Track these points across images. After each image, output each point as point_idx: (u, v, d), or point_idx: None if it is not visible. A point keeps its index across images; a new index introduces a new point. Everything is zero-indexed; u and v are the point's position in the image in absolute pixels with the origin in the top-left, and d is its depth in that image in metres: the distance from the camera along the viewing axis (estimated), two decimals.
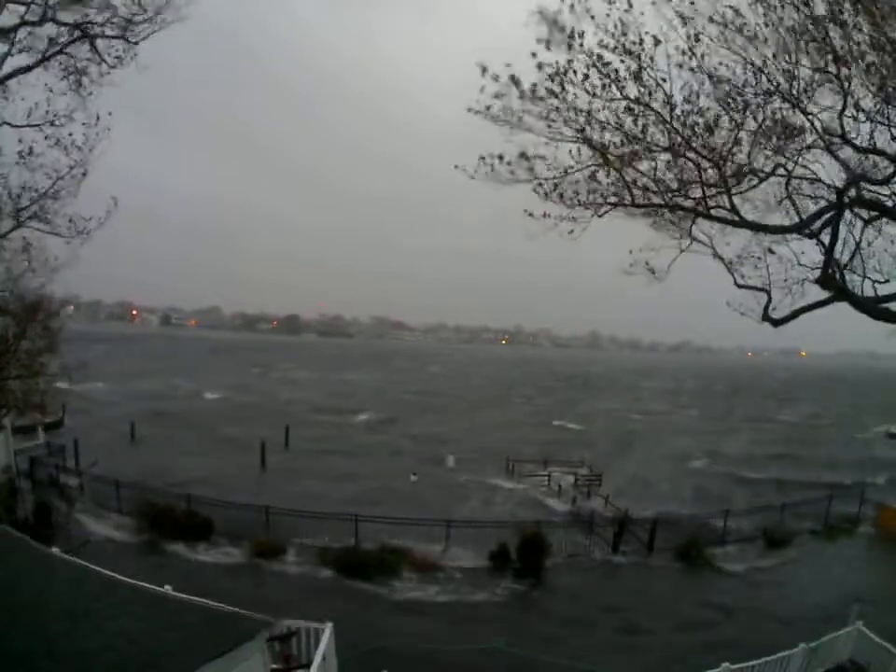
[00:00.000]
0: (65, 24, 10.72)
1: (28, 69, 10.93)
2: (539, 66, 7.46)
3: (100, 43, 11.00)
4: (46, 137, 11.35)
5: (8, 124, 11.25)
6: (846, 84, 7.42)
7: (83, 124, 11.18)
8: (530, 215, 8.32)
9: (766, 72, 7.69)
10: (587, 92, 7.71)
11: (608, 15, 7.27)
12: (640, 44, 7.45)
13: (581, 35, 7.32)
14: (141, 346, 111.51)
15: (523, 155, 7.96)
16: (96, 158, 11.69)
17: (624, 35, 7.39)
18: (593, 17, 7.23)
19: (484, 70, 7.36)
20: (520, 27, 7.35)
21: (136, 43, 11.15)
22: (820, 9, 7.20)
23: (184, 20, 10.88)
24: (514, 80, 7.53)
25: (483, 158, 7.95)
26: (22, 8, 10.52)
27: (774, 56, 7.58)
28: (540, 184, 8.22)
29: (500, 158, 7.96)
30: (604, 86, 7.70)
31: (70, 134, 11.33)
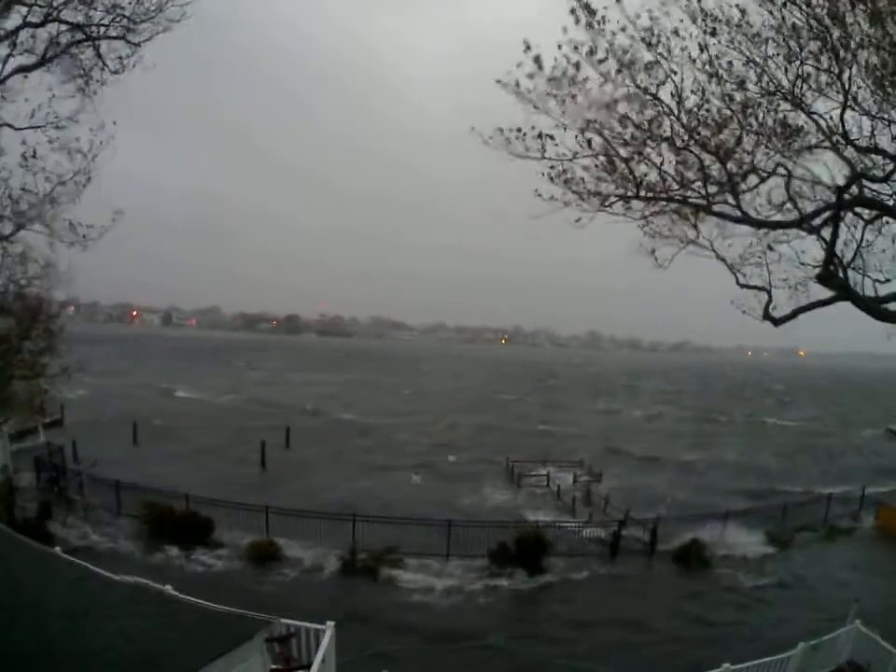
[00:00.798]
0: (67, 23, 10.72)
1: (28, 69, 10.92)
2: (560, 46, 7.67)
3: (102, 46, 11.02)
4: (49, 141, 11.35)
5: (10, 126, 11.24)
6: (846, 83, 7.46)
7: (91, 130, 11.19)
8: (539, 196, 8.49)
9: (768, 71, 7.76)
10: (602, 76, 7.88)
11: (643, 5, 7.45)
12: (660, 37, 7.62)
13: (604, 19, 7.50)
14: (134, 347, 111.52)
15: (540, 135, 8.17)
16: (100, 165, 11.70)
17: (651, 31, 7.56)
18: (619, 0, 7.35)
19: (528, 48, 7.60)
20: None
21: (138, 45, 11.15)
22: (821, 9, 7.25)
23: (186, 18, 10.87)
24: (538, 61, 7.77)
25: (502, 129, 8.16)
26: (24, 9, 10.53)
27: (776, 55, 7.65)
28: (550, 166, 8.41)
29: (519, 130, 8.17)
30: (619, 71, 7.86)
31: (77, 140, 11.35)
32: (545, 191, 8.52)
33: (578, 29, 7.55)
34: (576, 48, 7.63)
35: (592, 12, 7.41)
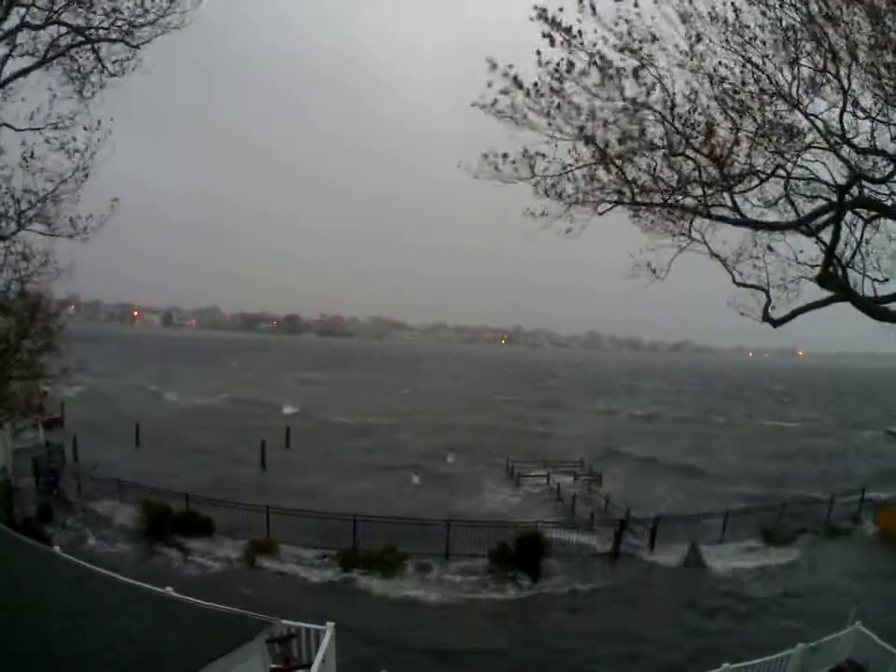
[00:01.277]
0: (68, 26, 10.73)
1: (26, 71, 10.94)
2: (540, 63, 7.42)
3: (101, 49, 11.03)
4: (47, 141, 11.39)
5: (10, 126, 11.27)
6: (845, 83, 7.43)
7: (84, 129, 11.22)
8: (531, 214, 8.28)
9: (765, 71, 7.70)
10: (586, 90, 7.68)
11: (617, 12, 7.25)
12: (642, 42, 7.43)
13: (581, 33, 7.29)
14: (134, 346, 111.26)
15: (525, 153, 7.88)
16: (98, 163, 11.75)
17: (629, 34, 7.36)
18: (595, 12, 7.16)
19: (494, 66, 7.28)
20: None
21: (138, 47, 11.16)
22: (818, 8, 7.21)
23: (186, 24, 10.88)
24: (516, 80, 7.48)
25: (487, 156, 7.83)
26: (24, 11, 10.53)
27: (773, 55, 7.58)
28: (538, 181, 8.14)
29: (505, 156, 7.85)
30: (604, 83, 7.67)
31: (74, 139, 11.39)
32: (536, 207, 8.26)
33: (555, 49, 7.32)
34: (557, 66, 7.43)
35: (567, 30, 7.19)
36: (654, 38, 7.42)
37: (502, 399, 66.82)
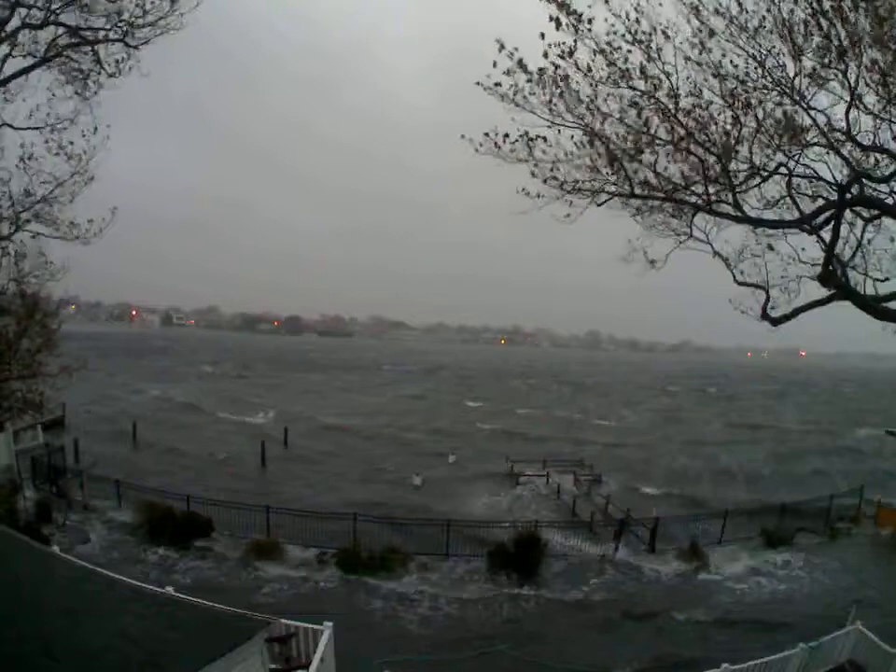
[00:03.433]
0: (66, 26, 10.75)
1: (26, 71, 10.96)
2: (546, 54, 7.45)
3: (101, 50, 11.05)
4: (46, 142, 11.43)
5: (9, 126, 11.28)
6: (850, 81, 7.41)
7: (83, 136, 11.28)
8: (525, 194, 8.32)
9: (770, 67, 7.69)
10: (591, 80, 7.72)
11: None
12: (651, 34, 7.43)
13: (591, 21, 7.30)
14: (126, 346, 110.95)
15: (525, 135, 7.96)
16: (97, 165, 11.81)
17: (637, 22, 7.37)
18: (607, 1, 7.19)
19: (502, 47, 7.34)
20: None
21: (137, 48, 11.16)
22: (824, 5, 7.19)
23: (184, 26, 10.88)
24: (521, 63, 7.54)
25: (488, 134, 7.94)
26: (24, 11, 10.55)
27: (778, 52, 7.58)
28: (536, 164, 8.19)
29: (506, 136, 7.96)
30: (610, 75, 7.69)
31: (71, 143, 11.44)
32: (532, 188, 8.31)
33: (562, 33, 7.33)
34: (562, 55, 7.45)
35: (578, 16, 7.19)
36: (665, 34, 7.40)
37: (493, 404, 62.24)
